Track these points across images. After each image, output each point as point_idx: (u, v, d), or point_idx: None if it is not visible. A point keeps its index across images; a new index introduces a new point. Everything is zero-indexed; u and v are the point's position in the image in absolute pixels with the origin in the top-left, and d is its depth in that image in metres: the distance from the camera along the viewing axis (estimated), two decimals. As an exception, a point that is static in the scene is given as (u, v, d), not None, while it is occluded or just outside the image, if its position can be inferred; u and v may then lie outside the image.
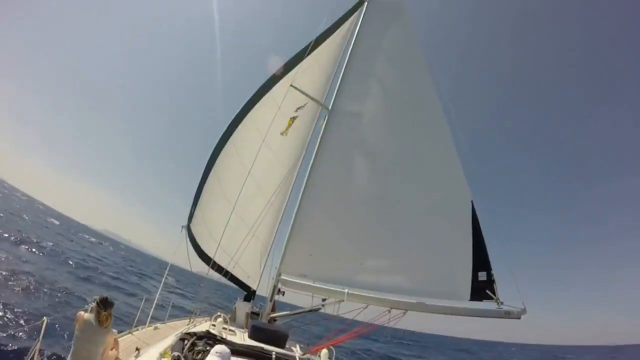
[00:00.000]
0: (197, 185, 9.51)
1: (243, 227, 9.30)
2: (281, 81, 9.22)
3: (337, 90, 8.49)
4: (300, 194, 8.02)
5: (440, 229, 7.61)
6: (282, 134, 8.88)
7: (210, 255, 9.12)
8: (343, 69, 8.73)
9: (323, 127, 8.29)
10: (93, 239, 63.12)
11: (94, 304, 4.38)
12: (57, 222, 61.29)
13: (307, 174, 8.15)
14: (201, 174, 9.47)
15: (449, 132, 8.37)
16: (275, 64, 9.38)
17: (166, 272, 8.72)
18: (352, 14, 9.93)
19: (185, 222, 9.37)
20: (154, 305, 8.09)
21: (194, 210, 9.46)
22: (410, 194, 7.92)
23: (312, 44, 9.34)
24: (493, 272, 6.83)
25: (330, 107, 8.43)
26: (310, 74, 9.52)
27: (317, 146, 8.23)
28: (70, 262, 23.16)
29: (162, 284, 8.78)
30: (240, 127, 9.31)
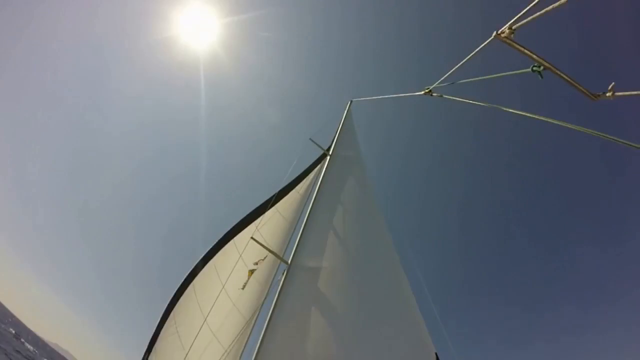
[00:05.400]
0: (156, 327, 9.14)
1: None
2: (246, 229, 9.37)
3: (297, 244, 8.58)
4: (256, 350, 7.69)
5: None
6: (241, 288, 8.81)
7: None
8: (304, 222, 8.92)
9: (282, 281, 8.26)
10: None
11: None
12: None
13: (263, 329, 7.92)
14: (160, 317, 9.18)
15: (408, 284, 8.55)
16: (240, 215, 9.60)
17: None
18: (316, 166, 10.49)
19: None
20: None
21: (148, 355, 9.00)
22: (371, 354, 7.76)
23: (276, 195, 9.70)
24: None
25: (289, 261, 8.47)
26: (273, 225, 9.72)
27: (274, 301, 8.10)
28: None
29: None
30: (203, 271, 9.26)
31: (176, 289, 9.28)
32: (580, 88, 2.82)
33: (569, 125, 3.12)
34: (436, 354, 7.69)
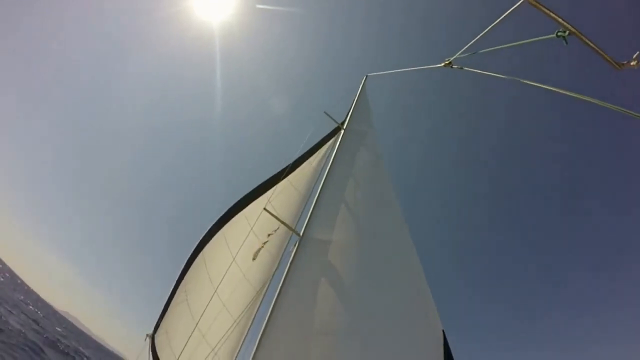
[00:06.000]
0: (169, 294, 9.39)
1: (205, 346, 8.98)
2: (256, 201, 9.44)
3: (310, 216, 8.62)
4: (266, 321, 7.82)
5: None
6: (252, 258, 8.92)
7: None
8: (317, 195, 8.94)
9: (293, 253, 8.31)
10: (59, 328, 59.41)
11: None
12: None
13: (273, 300, 8.02)
14: (174, 283, 9.41)
15: (419, 262, 8.57)
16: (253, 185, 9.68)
17: None
18: (330, 139, 10.46)
19: (150, 330, 9.21)
20: None
21: (161, 321, 9.26)
22: (379, 327, 7.83)
23: (290, 166, 9.71)
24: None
25: (301, 233, 8.52)
26: (286, 196, 9.77)
27: (285, 272, 8.17)
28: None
29: None
30: (212, 241, 9.38)
31: (187, 258, 9.44)
32: (605, 56, 2.77)
33: (591, 100, 3.05)
34: (443, 331, 7.73)
